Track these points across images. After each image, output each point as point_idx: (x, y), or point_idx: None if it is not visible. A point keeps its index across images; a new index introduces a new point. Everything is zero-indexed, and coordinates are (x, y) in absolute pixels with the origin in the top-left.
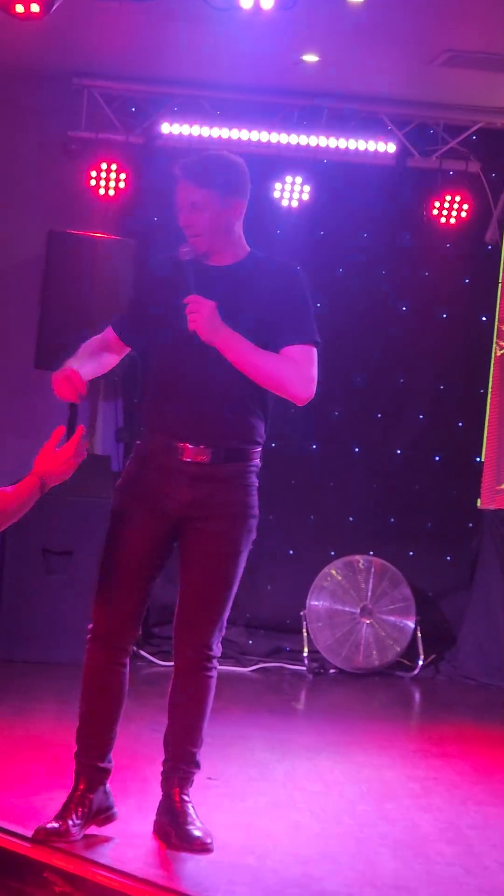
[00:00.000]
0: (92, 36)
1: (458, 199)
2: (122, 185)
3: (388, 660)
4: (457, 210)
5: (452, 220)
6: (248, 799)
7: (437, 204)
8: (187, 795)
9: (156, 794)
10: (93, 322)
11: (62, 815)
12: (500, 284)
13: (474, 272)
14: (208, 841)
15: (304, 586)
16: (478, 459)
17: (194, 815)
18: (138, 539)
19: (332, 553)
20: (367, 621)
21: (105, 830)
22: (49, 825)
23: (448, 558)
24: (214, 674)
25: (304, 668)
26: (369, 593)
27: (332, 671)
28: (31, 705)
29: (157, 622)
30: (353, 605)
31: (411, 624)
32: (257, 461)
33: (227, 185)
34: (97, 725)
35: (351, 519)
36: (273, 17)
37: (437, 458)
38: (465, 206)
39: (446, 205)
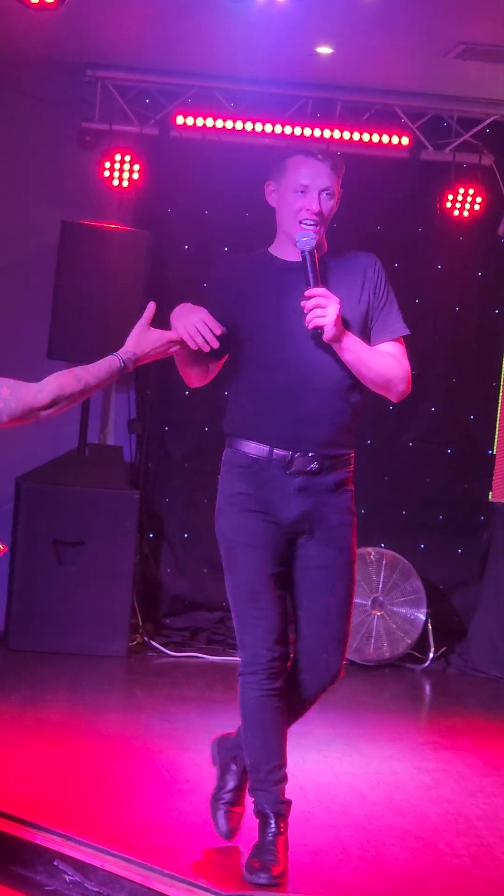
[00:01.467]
0: (106, 27)
1: (471, 192)
2: (135, 176)
3: (399, 652)
4: (470, 203)
5: (466, 213)
6: None
7: (450, 197)
8: (281, 822)
9: (168, 783)
10: (105, 313)
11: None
12: None
13: (487, 265)
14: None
15: None
16: (490, 452)
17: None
18: (268, 555)
19: None
20: (378, 613)
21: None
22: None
23: (459, 551)
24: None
25: None
26: (380, 585)
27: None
28: (42, 695)
29: (168, 613)
30: (364, 596)
31: (422, 616)
32: (350, 466)
33: (342, 178)
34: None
35: (362, 511)
36: (287, 8)
37: (449, 451)
38: (479, 199)
39: (459, 198)
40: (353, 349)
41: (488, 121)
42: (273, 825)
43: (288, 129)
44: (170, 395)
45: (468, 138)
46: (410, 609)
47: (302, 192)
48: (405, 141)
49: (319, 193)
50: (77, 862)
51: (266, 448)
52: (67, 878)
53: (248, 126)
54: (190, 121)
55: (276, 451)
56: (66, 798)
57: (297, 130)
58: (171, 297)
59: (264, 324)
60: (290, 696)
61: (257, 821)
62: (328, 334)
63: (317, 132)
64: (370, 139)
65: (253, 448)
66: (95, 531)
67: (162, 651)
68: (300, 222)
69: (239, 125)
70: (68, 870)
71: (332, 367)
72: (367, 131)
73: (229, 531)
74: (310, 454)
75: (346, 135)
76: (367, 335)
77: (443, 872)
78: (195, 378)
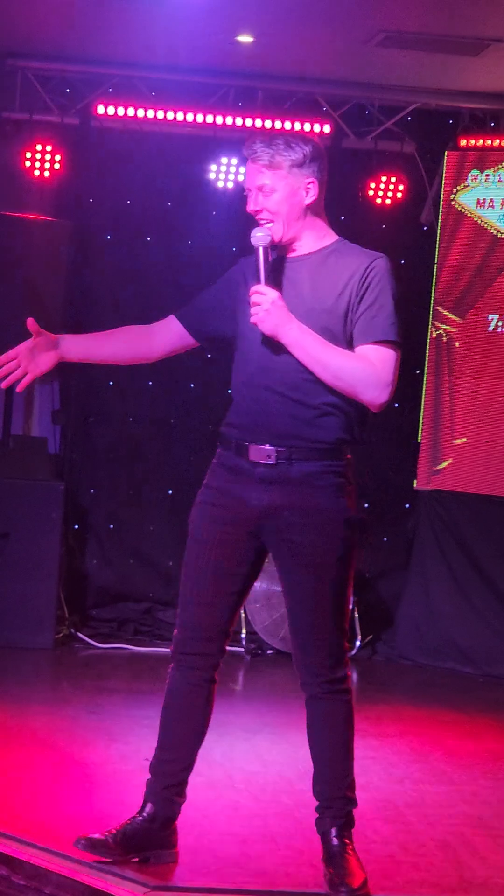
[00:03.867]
0: (26, 16)
1: (393, 179)
2: (57, 166)
3: None
4: (392, 191)
5: (388, 201)
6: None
7: (372, 185)
8: (346, 835)
9: (94, 776)
10: (27, 304)
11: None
12: (435, 265)
13: (410, 253)
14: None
15: None
16: (414, 441)
17: (348, 862)
18: (215, 551)
19: None
20: None
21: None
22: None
23: (385, 539)
24: (346, 697)
25: (242, 650)
26: None
27: (269, 652)
28: None
29: (94, 604)
30: None
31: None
32: (341, 460)
33: (299, 167)
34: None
35: None
36: None
37: (374, 439)
38: (401, 187)
39: (382, 185)
40: (305, 347)
41: (410, 108)
42: (141, 810)
43: (209, 118)
44: (94, 385)
45: (390, 126)
46: None
47: (247, 195)
48: (327, 129)
49: (256, 193)
50: (3, 856)
51: (232, 440)
52: None
53: (170, 115)
54: (111, 110)
55: (238, 442)
56: (10, 795)
57: (219, 119)
58: (93, 287)
59: (240, 322)
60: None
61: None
62: (263, 330)
63: (238, 121)
64: (292, 127)
65: (223, 440)
66: (20, 523)
67: (89, 643)
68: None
69: (160, 114)
70: None
71: (290, 363)
72: (288, 119)
73: (189, 522)
74: (266, 446)
75: (268, 123)
76: (346, 335)
77: (371, 860)
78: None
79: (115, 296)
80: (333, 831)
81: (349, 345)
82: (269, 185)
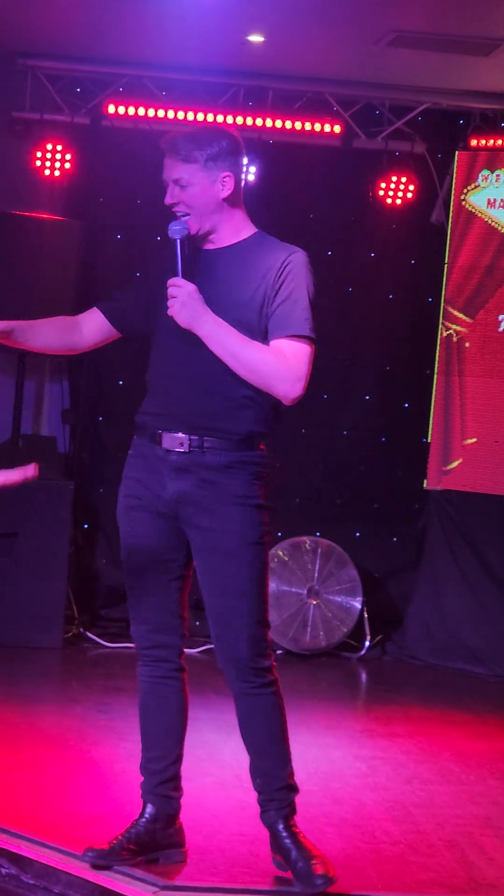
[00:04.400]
0: (37, 16)
1: (403, 179)
2: (67, 165)
3: (335, 641)
4: (402, 191)
5: (398, 201)
6: (195, 779)
7: (383, 185)
8: (293, 825)
9: (104, 775)
10: (37, 303)
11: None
12: (446, 265)
13: (420, 253)
14: (331, 875)
15: None
16: (424, 440)
17: (306, 849)
18: (144, 544)
19: (279, 534)
20: (314, 602)
21: (75, 816)
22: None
23: (394, 539)
24: (272, 689)
25: None
26: (316, 574)
27: (278, 652)
28: None
29: (104, 604)
30: (299, 586)
31: (358, 605)
32: (253, 451)
33: (214, 160)
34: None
35: (297, 500)
36: None
37: (384, 439)
38: (411, 187)
39: (392, 185)
40: (219, 340)
41: (420, 108)
42: (142, 812)
43: (220, 118)
44: (104, 385)
45: (400, 126)
46: (346, 597)
47: (165, 187)
48: (337, 129)
49: (172, 186)
50: (13, 854)
51: (146, 429)
52: (3, 870)
53: (180, 115)
54: (121, 110)
55: (152, 430)
56: (1, 790)
57: (229, 119)
58: (103, 287)
59: (157, 313)
60: None
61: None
62: (179, 322)
63: (248, 121)
64: (302, 127)
65: (137, 428)
66: (30, 522)
67: (98, 642)
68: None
69: (171, 114)
70: (4, 862)
71: (205, 355)
72: (298, 119)
73: (117, 517)
74: (179, 434)
75: (279, 123)
76: (261, 329)
77: (380, 860)
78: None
79: None
80: (281, 824)
81: (264, 338)
82: (185, 178)
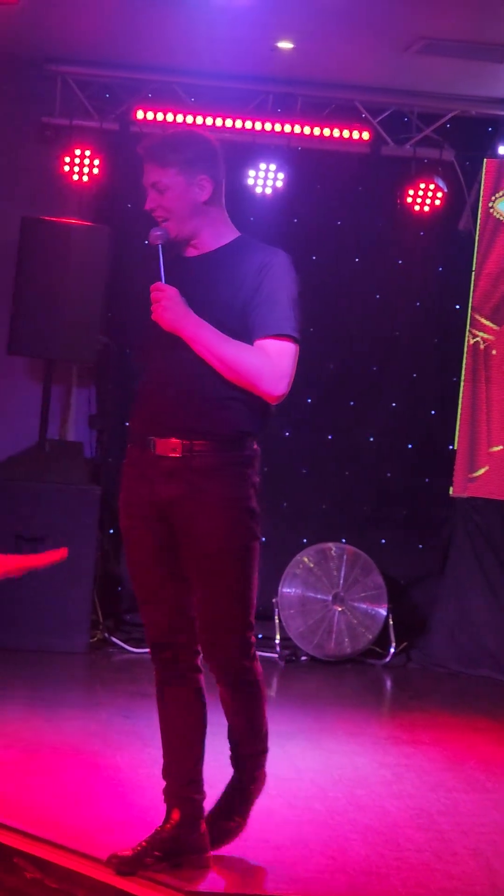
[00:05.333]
0: (66, 21)
1: (431, 186)
2: (96, 171)
3: (360, 647)
4: (430, 198)
5: (426, 209)
6: (219, 786)
7: (411, 192)
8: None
9: (128, 780)
10: (66, 309)
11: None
12: (473, 273)
13: (448, 260)
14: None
15: (277, 574)
16: (451, 447)
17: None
18: (143, 546)
19: (305, 540)
20: (339, 609)
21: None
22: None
23: (420, 546)
24: (253, 688)
25: (276, 656)
26: (341, 581)
27: (303, 658)
28: (1, 692)
29: (128, 609)
30: (325, 592)
31: (383, 612)
32: (242, 452)
33: (190, 164)
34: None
35: (323, 506)
36: (248, 3)
37: (410, 446)
38: (439, 195)
39: (420, 193)
40: (203, 342)
41: (449, 116)
42: (166, 818)
43: (248, 125)
44: (130, 390)
45: (429, 133)
46: (371, 604)
47: (145, 193)
48: (366, 136)
49: (151, 191)
50: (36, 859)
51: (137, 435)
52: (27, 875)
53: (209, 121)
54: (150, 115)
55: (142, 436)
56: (26, 795)
57: (258, 125)
58: (132, 292)
59: (145, 318)
60: None
61: None
62: (162, 326)
63: (277, 127)
64: (331, 134)
65: (130, 435)
66: (56, 527)
67: (122, 647)
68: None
69: (199, 120)
70: (28, 867)
71: (190, 357)
72: (327, 126)
73: (120, 526)
74: (170, 439)
75: (307, 130)
76: (243, 330)
77: (404, 867)
78: None
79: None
80: (237, 780)
81: (248, 340)
82: (163, 182)
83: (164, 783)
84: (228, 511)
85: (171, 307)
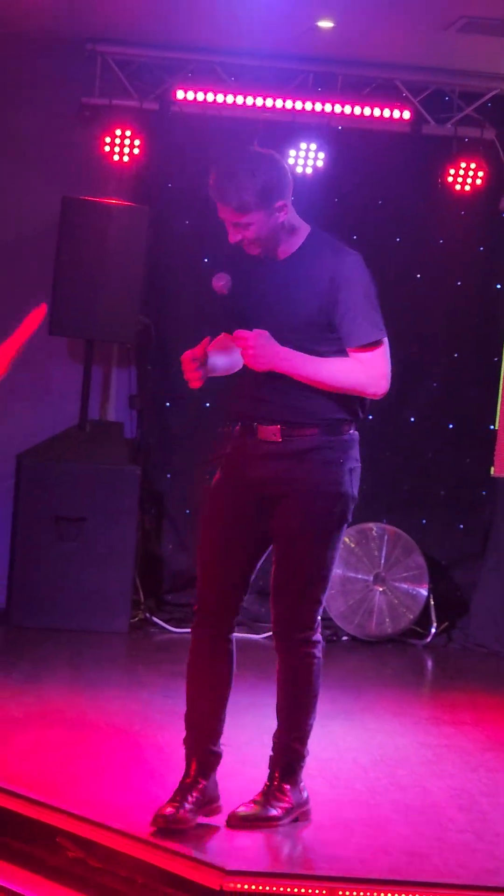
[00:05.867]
0: (106, 1)
1: (472, 166)
2: (136, 151)
3: (401, 627)
4: (471, 177)
5: (467, 188)
6: (261, 765)
7: (451, 171)
8: (282, 781)
9: (169, 760)
10: (106, 289)
11: (175, 800)
12: None
13: (489, 240)
14: (232, 823)
15: None
16: (491, 427)
17: (267, 805)
18: (226, 519)
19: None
20: (380, 589)
21: (140, 801)
22: (164, 812)
23: (461, 526)
24: (312, 661)
25: None
26: (382, 561)
27: (344, 638)
28: (43, 672)
29: (169, 589)
30: (366, 572)
31: (424, 592)
32: (339, 437)
33: (265, 198)
34: (205, 707)
35: (364, 487)
36: None
37: (451, 426)
38: (480, 174)
39: (461, 172)
40: (300, 373)
41: (490, 95)
42: (192, 769)
43: (289, 104)
44: (171, 370)
45: (470, 112)
46: (412, 584)
47: (226, 227)
48: (406, 115)
49: (233, 228)
50: (79, 838)
51: (237, 418)
52: (70, 854)
53: (249, 100)
54: (190, 95)
55: (242, 419)
56: (68, 774)
57: (298, 105)
58: (172, 272)
59: (241, 310)
60: None
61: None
62: (257, 369)
63: (318, 106)
64: (371, 113)
65: (228, 416)
66: (97, 508)
67: (164, 627)
68: None
69: (239, 99)
70: (70, 846)
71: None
72: (368, 105)
73: (203, 496)
74: (268, 424)
75: (348, 109)
76: (331, 334)
77: (445, 847)
78: None
79: (193, 281)
80: (277, 773)
81: (327, 333)
82: (243, 221)
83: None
84: (320, 494)
85: (261, 353)
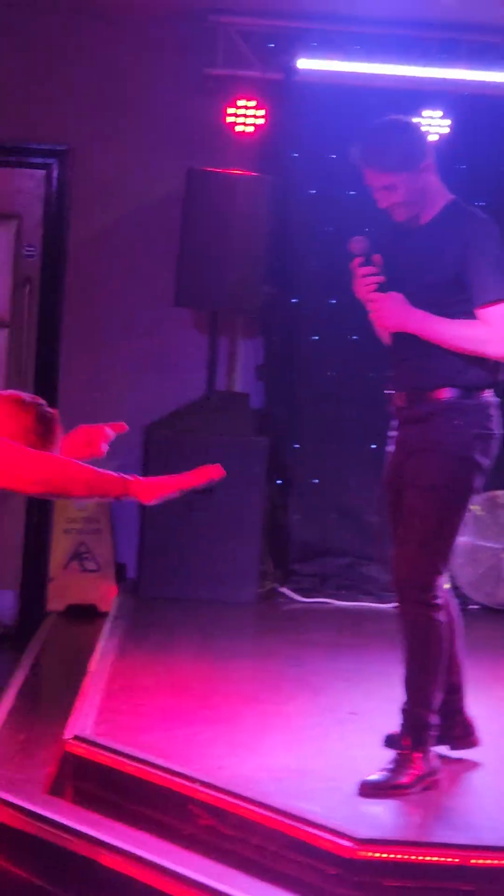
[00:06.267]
0: None
1: None
2: (260, 121)
3: None
4: None
5: None
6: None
7: None
8: (412, 749)
9: (297, 728)
10: (231, 260)
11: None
12: None
13: None
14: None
15: None
16: None
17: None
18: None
19: None
20: None
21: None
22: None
23: None
24: (428, 622)
25: None
26: None
27: (473, 607)
28: (173, 642)
29: (297, 559)
30: (495, 540)
31: None
32: (470, 401)
33: (411, 158)
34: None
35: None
36: None
37: None
38: None
39: None
40: (426, 334)
41: None
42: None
43: (413, 71)
44: (298, 341)
45: None
46: None
47: (373, 191)
48: None
49: (382, 192)
50: (210, 806)
51: (389, 389)
52: (201, 822)
53: (373, 69)
54: (313, 64)
55: (390, 389)
56: (198, 743)
57: (423, 72)
58: (297, 242)
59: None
60: None
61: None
62: (387, 327)
63: (442, 73)
64: (497, 79)
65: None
66: (225, 479)
67: (291, 597)
68: None
69: (363, 68)
70: (202, 814)
71: None
72: (492, 72)
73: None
74: (402, 393)
75: (472, 75)
76: (460, 295)
77: None
78: None
79: (319, 251)
80: (406, 742)
81: (457, 296)
82: (392, 183)
83: (342, 728)
84: (443, 457)
85: (390, 314)
